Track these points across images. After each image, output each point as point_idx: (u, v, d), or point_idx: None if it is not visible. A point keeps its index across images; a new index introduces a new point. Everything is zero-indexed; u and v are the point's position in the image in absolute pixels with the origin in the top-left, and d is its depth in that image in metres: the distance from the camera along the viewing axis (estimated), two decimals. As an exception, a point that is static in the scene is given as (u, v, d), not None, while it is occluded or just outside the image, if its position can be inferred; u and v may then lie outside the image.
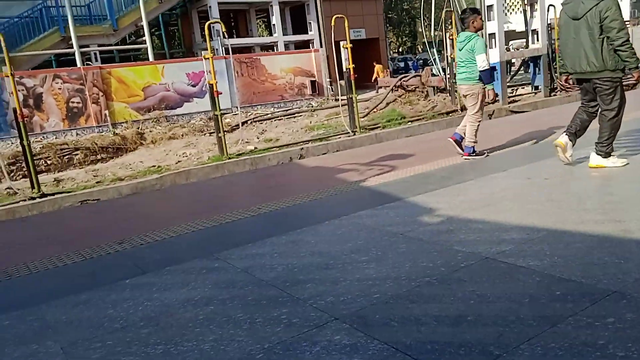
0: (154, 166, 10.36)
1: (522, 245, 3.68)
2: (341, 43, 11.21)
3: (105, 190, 8.57)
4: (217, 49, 19.36)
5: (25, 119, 8.36)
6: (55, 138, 13.81)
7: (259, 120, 15.16)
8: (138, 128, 14.51)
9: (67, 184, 9.63)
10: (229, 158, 9.84)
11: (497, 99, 12.91)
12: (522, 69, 17.52)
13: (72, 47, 17.47)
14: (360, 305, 3.11)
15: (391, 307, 3.03)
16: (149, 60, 18.49)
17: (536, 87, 15.14)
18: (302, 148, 10.44)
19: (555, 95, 14.35)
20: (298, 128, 13.44)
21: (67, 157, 12.43)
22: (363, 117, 12.88)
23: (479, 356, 2.42)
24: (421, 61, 30.52)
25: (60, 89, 14.44)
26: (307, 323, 2.98)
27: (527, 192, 5.06)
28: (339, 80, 19.01)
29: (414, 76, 15.92)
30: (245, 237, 4.80)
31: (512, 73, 18.44)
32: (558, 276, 3.12)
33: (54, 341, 3.17)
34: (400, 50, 42.89)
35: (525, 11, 14.80)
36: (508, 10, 14.95)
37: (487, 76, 6.90)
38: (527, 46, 15.25)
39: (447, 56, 13.89)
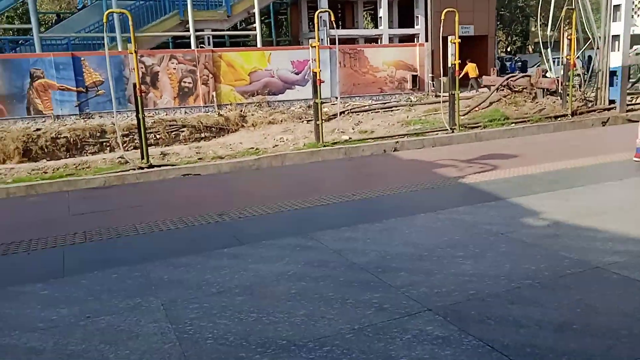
0: (253, 148, 10.73)
1: (639, 258, 3.38)
2: (449, 38, 10.90)
3: (206, 167, 9.02)
4: (322, 39, 19.58)
5: (142, 94, 8.99)
6: (166, 115, 14.69)
7: (356, 112, 15.15)
8: (241, 111, 15.09)
9: (172, 158, 10.24)
10: (324, 146, 9.95)
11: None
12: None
13: (189, 31, 18.49)
14: (455, 300, 3.01)
15: (488, 305, 2.91)
16: (257, 46, 19.10)
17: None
18: (397, 142, 10.29)
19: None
20: (394, 122, 13.28)
21: (174, 133, 13.24)
22: (463, 115, 12.45)
23: (584, 367, 2.26)
24: (520, 63, 28.51)
25: (175, 68, 15.32)
26: (398, 310, 2.94)
27: (647, 205, 4.65)
28: (442, 76, 18.58)
29: (523, 76, 15.10)
30: (339, 221, 4.82)
31: (633, 80, 16.93)
32: (681, 295, 2.84)
33: (156, 297, 3.38)
34: (508, 49, 40.92)
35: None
36: (636, 13, 13.74)
37: None
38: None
39: (562, 57, 13.02)
